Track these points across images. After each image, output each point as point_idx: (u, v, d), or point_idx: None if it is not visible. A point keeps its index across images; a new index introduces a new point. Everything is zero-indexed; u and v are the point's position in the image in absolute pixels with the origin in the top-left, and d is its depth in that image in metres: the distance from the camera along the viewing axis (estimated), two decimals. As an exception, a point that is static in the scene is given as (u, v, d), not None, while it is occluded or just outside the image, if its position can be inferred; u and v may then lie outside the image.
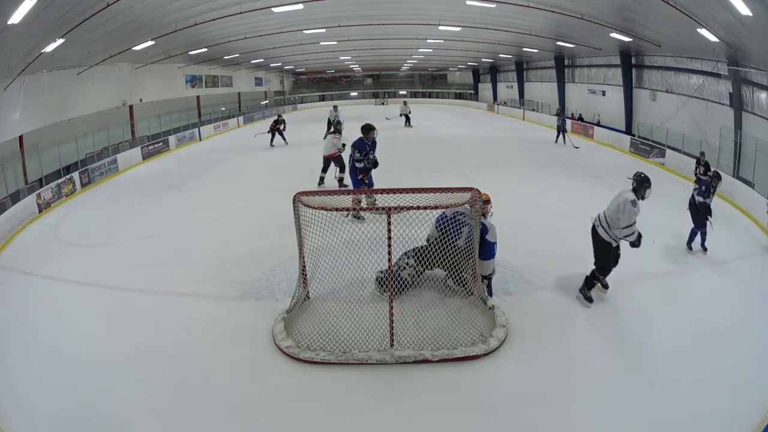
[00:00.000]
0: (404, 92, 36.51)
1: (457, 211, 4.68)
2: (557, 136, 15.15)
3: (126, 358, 3.98)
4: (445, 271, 4.73)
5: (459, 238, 4.58)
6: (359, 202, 6.70)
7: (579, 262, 5.70)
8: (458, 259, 4.46)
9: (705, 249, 6.02)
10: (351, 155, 6.90)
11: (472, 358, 3.82)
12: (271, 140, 15.32)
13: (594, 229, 4.69)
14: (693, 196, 6.12)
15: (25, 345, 4.28)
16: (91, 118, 13.57)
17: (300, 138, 17.03)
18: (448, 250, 4.44)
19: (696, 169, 9.38)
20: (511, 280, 5.16)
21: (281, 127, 15.39)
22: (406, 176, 9.36)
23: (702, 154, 9.66)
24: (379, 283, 4.78)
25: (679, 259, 5.76)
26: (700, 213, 5.96)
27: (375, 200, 6.70)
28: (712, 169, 7.43)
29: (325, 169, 9.05)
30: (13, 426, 3.25)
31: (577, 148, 14.00)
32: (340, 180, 8.94)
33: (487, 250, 4.52)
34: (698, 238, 6.07)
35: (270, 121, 16.40)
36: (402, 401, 3.45)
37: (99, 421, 3.28)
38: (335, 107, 17.03)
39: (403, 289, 4.64)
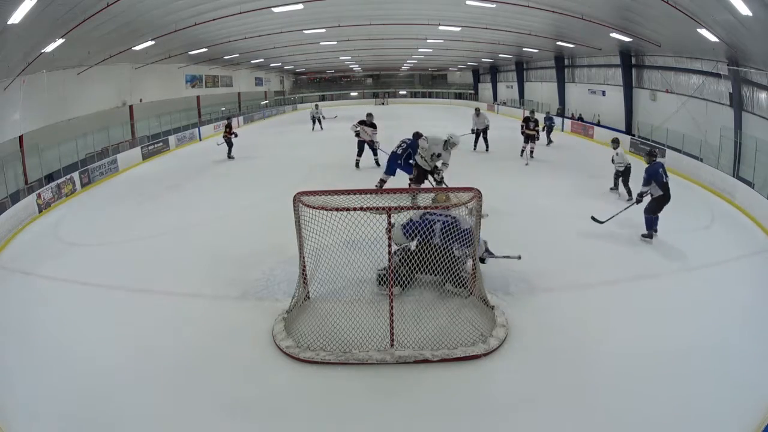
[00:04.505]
0: (404, 92, 36.47)
1: (425, 212, 4.70)
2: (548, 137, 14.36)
3: (126, 357, 3.99)
4: (433, 276, 4.73)
5: (433, 236, 4.60)
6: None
7: (579, 262, 5.71)
8: (440, 258, 4.45)
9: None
10: (404, 150, 8.16)
11: (472, 358, 3.82)
12: (229, 152, 13.17)
13: None
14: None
15: (25, 345, 4.29)
16: (91, 118, 13.57)
17: (297, 138, 17.07)
18: (428, 252, 4.46)
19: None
20: (512, 280, 5.15)
21: (231, 137, 13.10)
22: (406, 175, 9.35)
23: (532, 112, 10.49)
24: (380, 281, 4.79)
25: (679, 260, 5.76)
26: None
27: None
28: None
29: (360, 153, 10.91)
30: (13, 426, 3.25)
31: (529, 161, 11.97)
32: (376, 161, 10.98)
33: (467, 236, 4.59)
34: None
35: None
36: (402, 401, 3.45)
37: (99, 421, 3.28)
38: (317, 105, 19.77)
39: (403, 285, 4.67)
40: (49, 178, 10.08)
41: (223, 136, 13.31)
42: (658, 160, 6.51)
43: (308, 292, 4.73)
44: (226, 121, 14.04)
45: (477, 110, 13.75)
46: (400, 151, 8.15)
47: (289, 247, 5.16)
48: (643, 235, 6.47)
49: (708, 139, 11.39)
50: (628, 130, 15.82)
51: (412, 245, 4.80)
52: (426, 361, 3.79)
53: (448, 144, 7.85)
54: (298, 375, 3.73)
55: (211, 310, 4.76)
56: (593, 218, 6.71)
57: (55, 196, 9.50)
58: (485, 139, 13.24)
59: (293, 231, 4.44)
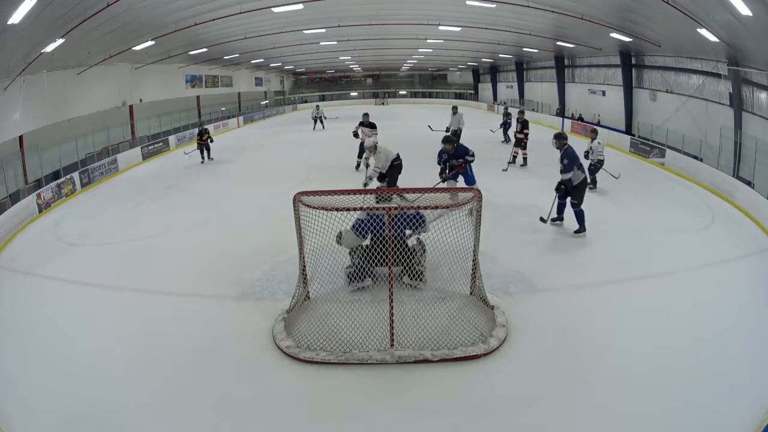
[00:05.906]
0: (404, 92, 36.43)
1: (373, 209, 4.57)
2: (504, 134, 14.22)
3: (126, 358, 3.99)
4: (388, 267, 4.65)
5: (383, 228, 4.49)
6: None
7: (579, 262, 5.72)
8: (394, 248, 4.29)
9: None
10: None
11: (472, 358, 3.82)
12: (202, 156, 13.12)
13: None
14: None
15: (25, 345, 4.28)
16: (91, 118, 13.57)
17: (298, 138, 17.07)
18: (382, 245, 4.31)
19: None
20: (512, 280, 5.15)
21: (208, 142, 13.10)
22: (407, 175, 9.34)
23: (521, 112, 10.90)
24: (350, 279, 4.90)
25: (679, 260, 5.76)
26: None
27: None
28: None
29: (360, 155, 10.60)
30: (13, 426, 3.25)
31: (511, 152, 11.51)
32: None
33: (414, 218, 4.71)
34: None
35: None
36: (402, 401, 3.45)
37: (99, 422, 3.28)
38: (317, 106, 19.97)
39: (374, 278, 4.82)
40: (50, 177, 10.08)
41: (198, 143, 13.10)
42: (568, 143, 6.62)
43: (308, 292, 4.73)
44: (199, 128, 13.73)
45: (454, 108, 13.06)
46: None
47: (289, 247, 5.15)
48: (576, 231, 6.42)
49: (708, 139, 11.39)
50: (628, 130, 15.82)
51: (366, 242, 4.88)
52: (426, 361, 3.79)
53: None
54: (298, 375, 3.73)
55: (211, 310, 4.76)
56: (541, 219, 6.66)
57: (55, 196, 9.50)
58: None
59: (293, 231, 4.44)
